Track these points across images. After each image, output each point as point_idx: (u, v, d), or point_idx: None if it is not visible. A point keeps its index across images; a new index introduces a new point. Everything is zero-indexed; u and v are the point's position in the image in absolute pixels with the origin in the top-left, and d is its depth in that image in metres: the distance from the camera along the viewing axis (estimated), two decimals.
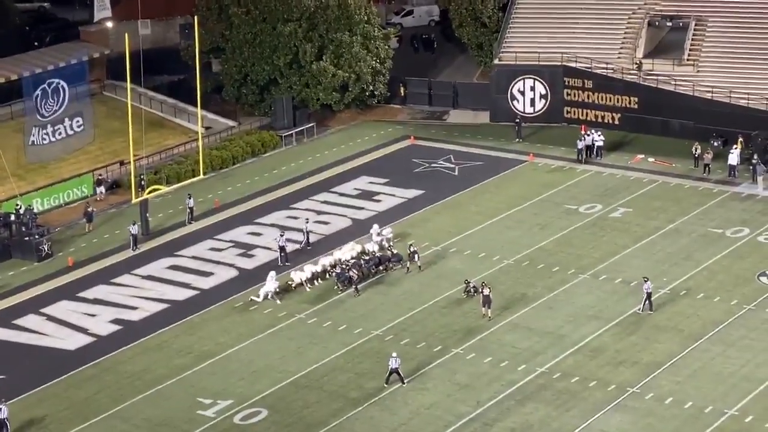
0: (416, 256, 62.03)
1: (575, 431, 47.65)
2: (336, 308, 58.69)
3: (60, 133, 72.53)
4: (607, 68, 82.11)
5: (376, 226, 65.06)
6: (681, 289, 59.05)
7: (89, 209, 69.77)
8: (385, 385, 51.08)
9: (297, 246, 65.24)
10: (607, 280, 60.48)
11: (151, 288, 61.77)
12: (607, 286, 59.78)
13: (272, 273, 60.09)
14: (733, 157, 73.08)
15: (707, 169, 73.94)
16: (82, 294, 61.28)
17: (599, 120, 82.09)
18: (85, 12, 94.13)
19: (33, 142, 71.64)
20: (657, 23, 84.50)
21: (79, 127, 73.45)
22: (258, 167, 78.73)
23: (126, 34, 65.45)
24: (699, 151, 75.00)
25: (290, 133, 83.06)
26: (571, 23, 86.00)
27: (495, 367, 52.48)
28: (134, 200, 66.93)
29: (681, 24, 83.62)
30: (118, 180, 75.53)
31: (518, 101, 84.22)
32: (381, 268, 62.14)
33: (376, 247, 63.31)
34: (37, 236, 65.85)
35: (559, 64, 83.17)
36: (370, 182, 74.82)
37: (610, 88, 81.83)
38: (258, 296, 59.45)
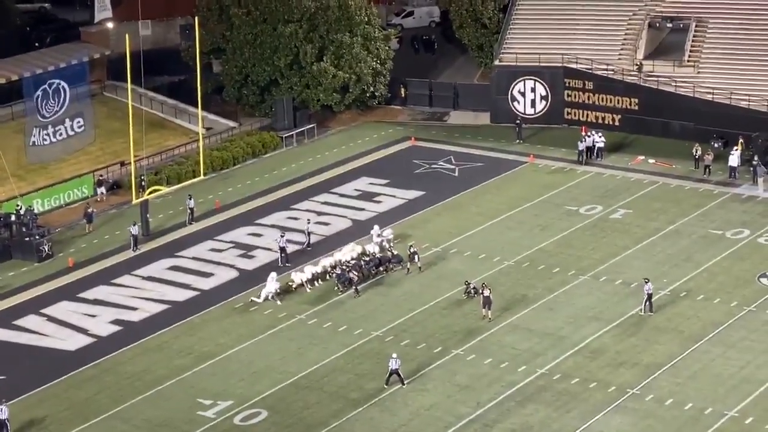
0: (416, 257, 62.03)
1: None
2: (336, 309, 58.70)
3: (61, 134, 72.53)
4: (607, 69, 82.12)
5: (376, 227, 65.06)
6: (681, 291, 59.04)
7: (89, 210, 69.77)
8: (386, 386, 51.08)
9: (298, 246, 65.28)
10: (608, 281, 60.48)
11: (152, 289, 61.78)
12: (608, 288, 59.78)
13: (273, 274, 60.09)
14: (734, 159, 73.08)
15: (708, 170, 73.94)
16: (82, 294, 61.29)
17: (600, 121, 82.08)
18: (85, 13, 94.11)
19: (34, 142, 71.63)
20: (657, 24, 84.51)
21: (79, 127, 73.45)
22: (258, 168, 78.75)
23: (127, 35, 65.44)
24: (699, 152, 75.01)
25: (291, 134, 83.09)
26: (571, 24, 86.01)
27: (495, 369, 52.48)
28: (135, 201, 66.93)
29: (681, 25, 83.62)
30: (119, 181, 75.55)
31: (519, 102, 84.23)
32: (381, 269, 62.14)
33: (376, 248, 63.30)
34: (37, 237, 65.87)
35: (560, 65, 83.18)
36: (371, 183, 74.83)
37: (611, 89, 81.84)
38: (258, 297, 59.46)
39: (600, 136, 77.69)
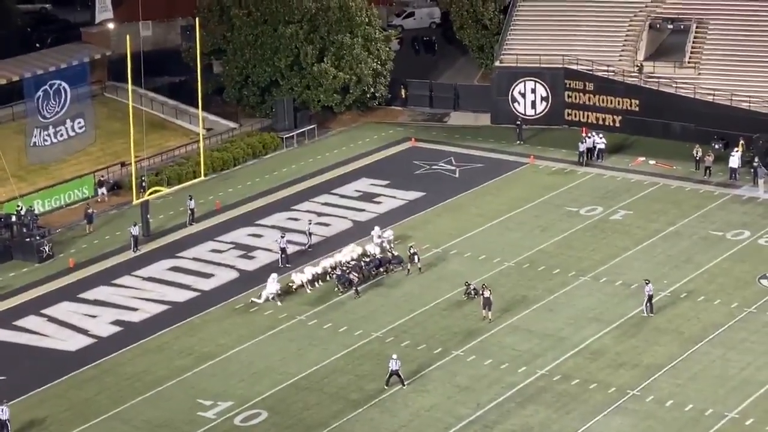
0: (417, 257, 62.04)
1: None
2: (336, 310, 58.70)
3: (61, 135, 72.51)
4: (608, 71, 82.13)
5: (376, 228, 65.04)
6: (681, 292, 59.05)
7: (89, 210, 69.77)
8: (386, 387, 51.09)
9: (299, 247, 65.28)
10: (608, 282, 60.48)
11: (152, 289, 61.78)
12: (608, 289, 59.78)
13: (273, 275, 60.09)
14: (734, 160, 73.08)
15: (708, 171, 73.94)
16: (82, 295, 61.29)
17: (600, 122, 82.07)
18: (86, 13, 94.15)
19: (34, 143, 71.60)
20: (658, 26, 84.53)
21: (80, 128, 73.43)
22: (259, 169, 78.75)
23: (127, 36, 65.42)
24: (700, 153, 75.02)
25: (291, 134, 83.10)
26: (572, 26, 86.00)
27: (495, 370, 52.49)
28: (135, 201, 66.94)
29: (682, 26, 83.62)
30: (119, 181, 75.54)
31: (519, 103, 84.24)
32: (381, 269, 62.14)
33: (376, 249, 63.29)
34: (38, 237, 65.88)
35: (560, 66, 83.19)
36: (371, 184, 74.83)
37: (611, 90, 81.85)
38: (259, 298, 59.46)
39: (600, 138, 77.71)
